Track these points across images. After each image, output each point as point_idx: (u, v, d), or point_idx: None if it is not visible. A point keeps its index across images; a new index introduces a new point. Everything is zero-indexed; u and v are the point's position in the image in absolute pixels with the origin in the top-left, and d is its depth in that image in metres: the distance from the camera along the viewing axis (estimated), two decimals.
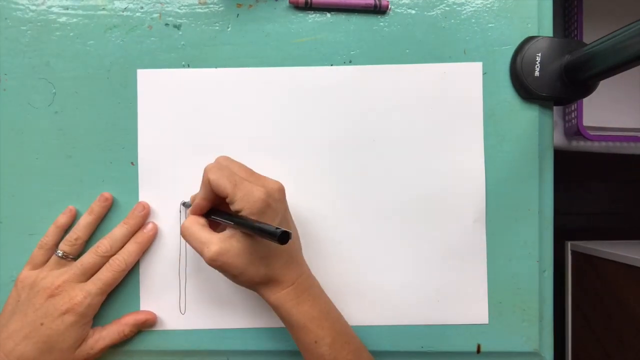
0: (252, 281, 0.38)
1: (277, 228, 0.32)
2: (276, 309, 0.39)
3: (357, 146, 0.45)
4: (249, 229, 0.35)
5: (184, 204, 0.45)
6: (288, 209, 0.40)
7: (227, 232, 0.37)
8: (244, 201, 0.35)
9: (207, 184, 0.37)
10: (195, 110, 0.45)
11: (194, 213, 0.40)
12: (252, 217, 0.35)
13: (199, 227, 0.38)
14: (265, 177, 0.39)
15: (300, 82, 0.45)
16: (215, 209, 0.40)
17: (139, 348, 0.45)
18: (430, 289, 0.45)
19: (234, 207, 0.36)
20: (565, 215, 1.33)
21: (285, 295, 0.38)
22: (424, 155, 0.45)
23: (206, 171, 0.37)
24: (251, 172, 0.39)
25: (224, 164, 0.39)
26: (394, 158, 0.45)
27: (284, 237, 0.32)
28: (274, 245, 0.35)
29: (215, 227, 0.40)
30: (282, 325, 0.45)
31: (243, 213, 0.36)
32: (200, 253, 0.37)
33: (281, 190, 0.38)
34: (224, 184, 0.36)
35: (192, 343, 0.45)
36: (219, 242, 0.37)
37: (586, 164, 1.33)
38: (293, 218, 0.42)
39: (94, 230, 0.44)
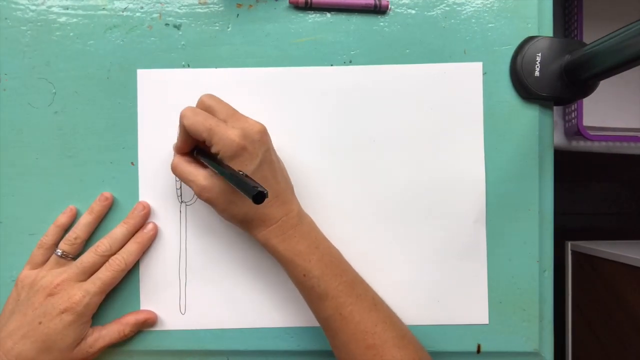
0: (235, 218, 0.39)
1: (253, 186, 0.32)
2: (263, 246, 0.40)
3: (357, 146, 0.45)
4: (226, 178, 0.36)
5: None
6: (271, 150, 0.40)
7: (211, 170, 0.38)
8: (220, 144, 0.36)
9: (183, 129, 0.38)
10: None
11: (178, 152, 0.41)
12: (228, 160, 0.36)
13: (185, 164, 0.40)
14: (247, 118, 0.39)
15: (300, 82, 0.45)
16: (199, 147, 0.41)
17: (139, 348, 0.45)
18: (430, 289, 0.45)
19: (212, 150, 0.37)
20: (565, 215, 1.33)
21: (269, 232, 0.39)
22: (424, 155, 0.45)
23: (181, 117, 0.38)
24: (233, 113, 0.39)
25: (206, 103, 0.39)
26: (394, 158, 0.45)
27: (258, 197, 0.32)
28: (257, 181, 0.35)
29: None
30: (282, 325, 0.45)
31: (220, 156, 0.37)
32: (191, 188, 0.39)
33: (261, 132, 0.38)
34: (199, 130, 0.37)
35: (192, 343, 0.45)
36: (203, 179, 0.38)
37: (586, 164, 1.33)
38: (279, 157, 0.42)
39: (93, 229, 0.44)
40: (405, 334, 0.40)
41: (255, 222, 0.39)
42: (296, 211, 0.40)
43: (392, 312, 0.42)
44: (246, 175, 0.35)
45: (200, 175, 0.38)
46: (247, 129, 0.37)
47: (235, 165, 0.36)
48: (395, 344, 0.39)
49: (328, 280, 0.39)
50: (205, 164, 0.39)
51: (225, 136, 0.36)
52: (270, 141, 0.40)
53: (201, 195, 0.38)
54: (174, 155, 0.41)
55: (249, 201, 0.33)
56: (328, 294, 0.39)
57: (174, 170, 0.40)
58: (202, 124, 0.37)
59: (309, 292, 0.40)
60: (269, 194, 0.34)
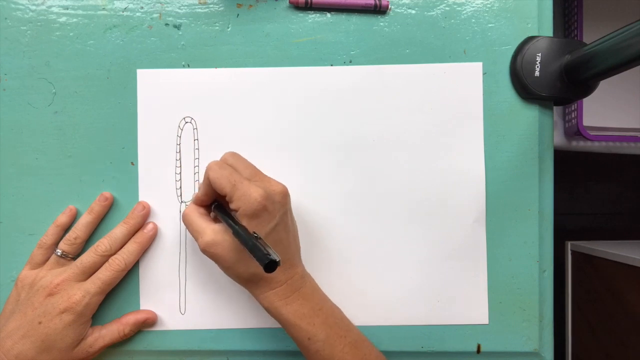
0: (240, 277, 0.39)
1: (266, 254, 0.32)
2: (266, 309, 0.39)
3: (357, 146, 0.45)
4: (240, 239, 0.35)
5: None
6: (289, 213, 0.40)
7: (223, 226, 0.38)
8: (241, 201, 0.36)
9: (207, 181, 0.38)
10: (196, 110, 0.45)
11: (195, 203, 0.41)
12: (247, 218, 0.36)
13: (197, 215, 0.40)
14: (270, 178, 0.39)
15: (300, 82, 0.45)
16: (218, 202, 0.41)
17: (139, 348, 0.45)
18: (430, 289, 0.45)
19: (231, 206, 0.37)
20: (565, 215, 1.33)
21: (274, 295, 0.39)
22: (424, 155, 0.45)
23: (207, 169, 0.38)
24: (255, 172, 0.39)
25: (230, 161, 0.39)
26: (394, 158, 0.45)
27: (271, 265, 0.32)
28: (270, 243, 0.36)
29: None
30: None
31: (239, 213, 0.36)
32: (196, 240, 0.39)
33: (283, 194, 0.38)
34: (223, 184, 0.37)
35: (192, 343, 0.45)
36: (212, 233, 0.38)
37: (586, 164, 1.33)
38: (295, 219, 0.42)
39: (93, 229, 0.44)
40: None
41: (260, 283, 0.39)
42: (300, 274, 0.40)
43: None
44: (259, 238, 0.35)
45: (209, 228, 0.38)
46: (269, 189, 0.37)
47: (253, 225, 0.36)
48: None
49: (333, 343, 0.39)
50: (220, 219, 0.39)
51: (248, 194, 0.36)
52: (289, 203, 0.40)
53: (207, 249, 0.38)
54: (190, 204, 0.41)
55: (255, 264, 0.34)
56: (334, 357, 0.38)
57: (184, 218, 0.40)
58: (227, 178, 0.37)
59: (313, 356, 0.39)
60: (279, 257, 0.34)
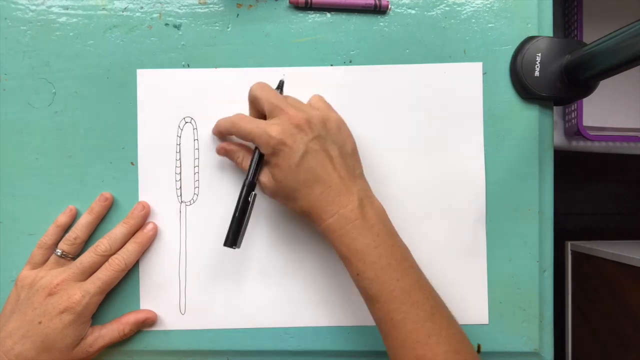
0: (295, 212, 0.40)
1: (232, 237, 0.39)
2: (325, 239, 0.39)
3: (357, 146, 0.45)
4: (235, 209, 0.40)
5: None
6: (320, 137, 0.38)
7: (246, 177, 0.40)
8: (258, 142, 0.38)
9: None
10: (196, 110, 0.45)
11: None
12: (268, 157, 0.39)
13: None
14: (292, 108, 0.39)
15: (300, 82, 0.45)
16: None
17: (139, 348, 0.45)
18: None
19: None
20: (565, 215, 1.33)
21: (327, 227, 0.38)
22: (424, 155, 0.45)
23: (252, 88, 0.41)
24: (277, 102, 0.39)
25: (253, 94, 0.41)
26: (394, 158, 0.45)
27: (226, 244, 0.39)
28: (302, 174, 0.37)
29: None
30: (282, 325, 0.45)
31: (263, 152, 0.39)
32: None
33: (304, 121, 0.38)
34: (242, 133, 0.40)
35: (192, 343, 0.45)
36: (263, 175, 0.40)
37: (586, 164, 1.33)
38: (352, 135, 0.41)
39: (93, 229, 0.44)
40: (461, 349, 0.37)
41: (312, 215, 0.38)
42: (356, 203, 0.37)
43: (451, 322, 0.38)
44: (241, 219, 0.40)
45: (263, 171, 0.40)
46: (285, 124, 0.37)
47: (274, 161, 0.38)
48: (448, 357, 0.36)
49: (382, 283, 0.36)
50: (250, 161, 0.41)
51: (264, 134, 0.37)
52: (324, 128, 0.39)
53: (265, 191, 0.41)
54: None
55: (302, 194, 0.38)
56: (380, 297, 0.36)
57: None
58: (244, 127, 0.39)
59: (362, 292, 0.38)
60: (319, 186, 0.37)
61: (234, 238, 0.39)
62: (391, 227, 0.39)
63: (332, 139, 0.39)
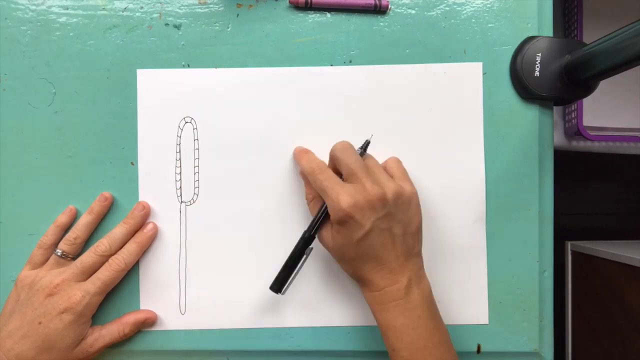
0: (347, 273, 0.41)
1: (281, 282, 0.40)
2: (369, 305, 0.40)
3: (357, 146, 0.45)
4: (289, 255, 0.41)
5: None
6: (387, 216, 0.38)
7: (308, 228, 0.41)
8: (330, 206, 0.38)
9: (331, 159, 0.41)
10: (196, 110, 0.45)
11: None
12: (335, 224, 0.38)
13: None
14: (372, 180, 0.38)
15: (300, 82, 0.45)
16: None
17: (139, 348, 0.45)
18: None
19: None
20: (565, 215, 1.33)
21: (372, 297, 0.39)
22: (424, 155, 0.45)
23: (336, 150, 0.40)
24: (354, 172, 0.39)
25: (337, 152, 0.41)
26: None
27: (272, 289, 0.40)
28: (362, 249, 0.38)
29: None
30: (282, 325, 0.45)
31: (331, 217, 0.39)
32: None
33: (376, 199, 0.37)
34: (317, 186, 0.39)
35: (192, 343, 0.45)
36: (325, 230, 0.40)
37: (586, 164, 1.33)
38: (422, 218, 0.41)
39: (93, 229, 0.44)
40: None
41: (361, 282, 0.40)
42: (404, 283, 0.38)
43: None
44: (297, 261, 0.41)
45: (325, 228, 0.41)
46: (359, 197, 0.37)
47: (341, 231, 0.38)
48: None
49: None
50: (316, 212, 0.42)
51: (337, 200, 0.37)
52: (395, 204, 0.38)
53: (324, 244, 0.41)
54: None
55: (357, 263, 0.38)
56: None
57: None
58: (320, 182, 0.39)
59: None
60: (373, 262, 0.38)
61: (281, 285, 0.41)
62: (434, 309, 0.40)
63: (400, 217, 0.39)
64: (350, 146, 0.40)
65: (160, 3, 0.46)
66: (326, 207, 0.39)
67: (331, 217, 0.38)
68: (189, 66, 0.45)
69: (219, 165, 0.45)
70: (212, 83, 0.45)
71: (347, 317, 0.45)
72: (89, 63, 0.45)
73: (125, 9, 0.45)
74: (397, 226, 0.38)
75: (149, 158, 0.45)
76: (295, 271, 0.41)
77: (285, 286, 0.41)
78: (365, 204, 0.37)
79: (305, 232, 0.41)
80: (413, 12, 0.46)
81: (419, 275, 0.40)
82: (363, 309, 0.46)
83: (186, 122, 0.45)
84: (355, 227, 0.37)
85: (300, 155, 0.43)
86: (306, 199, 0.43)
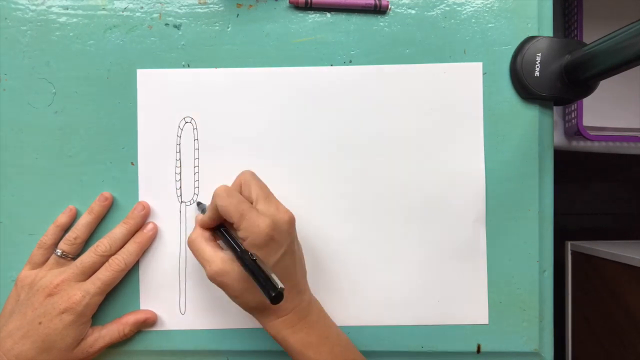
0: (248, 305, 0.38)
1: (273, 285, 0.33)
2: (273, 337, 0.39)
3: (357, 146, 0.45)
4: (247, 269, 0.35)
5: (199, 205, 0.44)
6: (296, 240, 0.40)
7: (230, 254, 0.38)
8: (248, 231, 0.36)
9: (214, 207, 0.38)
10: (195, 110, 0.45)
11: (201, 227, 0.40)
12: (255, 248, 0.36)
13: (204, 241, 0.39)
14: (279, 204, 0.39)
15: (300, 82, 0.45)
16: (224, 225, 0.40)
17: (139, 348, 0.45)
18: (430, 289, 0.45)
19: (239, 234, 0.37)
20: (565, 215, 1.33)
21: (281, 323, 0.38)
22: (424, 155, 0.45)
23: (215, 195, 0.37)
24: (265, 196, 0.38)
25: (246, 178, 0.39)
26: (394, 158, 0.45)
27: (277, 297, 0.33)
28: (277, 272, 0.36)
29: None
30: None
31: (247, 243, 0.36)
32: (203, 267, 0.38)
33: (289, 222, 0.38)
34: (231, 213, 0.36)
35: (192, 343, 0.45)
36: (220, 262, 0.37)
37: (586, 164, 1.33)
38: (300, 242, 0.42)
39: (93, 229, 0.44)
40: None
41: (267, 311, 0.39)
42: (307, 300, 0.40)
43: None
44: (264, 270, 0.35)
45: (217, 257, 0.37)
46: (277, 219, 0.37)
47: (261, 254, 0.36)
48: None
49: None
50: (225, 244, 0.39)
51: (256, 224, 0.36)
52: (295, 231, 0.39)
53: (215, 278, 0.37)
54: (195, 228, 0.40)
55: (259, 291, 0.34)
56: None
57: (191, 245, 0.39)
58: (235, 207, 0.36)
59: None
60: (287, 284, 0.36)
61: (272, 287, 0.34)
62: (330, 318, 0.42)
63: (297, 241, 0.40)
64: (229, 189, 0.38)
65: (160, 3, 0.46)
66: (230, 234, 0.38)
67: (248, 242, 0.36)
68: (189, 66, 0.45)
69: (219, 165, 0.45)
70: (212, 83, 0.45)
71: (346, 318, 0.45)
72: (89, 63, 0.45)
73: (125, 9, 0.45)
74: (297, 249, 0.40)
75: (149, 158, 0.45)
76: (265, 270, 0.35)
77: (275, 283, 0.34)
78: (283, 225, 0.37)
79: (237, 252, 0.37)
80: (413, 12, 0.46)
81: (311, 294, 0.42)
82: (362, 309, 0.46)
83: (186, 122, 0.45)
84: (275, 247, 0.36)
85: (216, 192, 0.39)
86: (200, 224, 0.40)
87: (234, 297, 0.38)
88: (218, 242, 0.40)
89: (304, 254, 0.42)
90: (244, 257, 0.36)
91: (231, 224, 0.38)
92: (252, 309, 0.39)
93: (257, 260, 0.35)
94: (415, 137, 0.45)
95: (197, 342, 0.45)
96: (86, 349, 0.41)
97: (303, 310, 0.39)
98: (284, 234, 0.37)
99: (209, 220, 0.39)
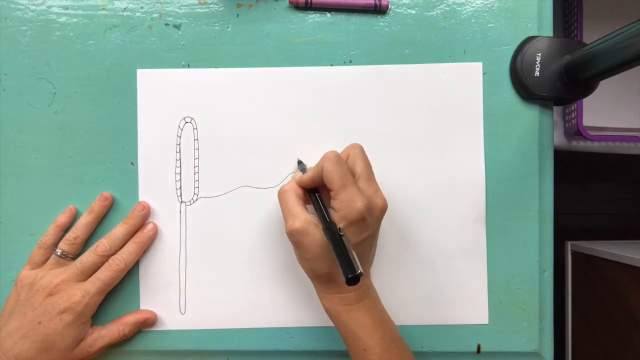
0: (314, 273, 0.39)
1: (353, 267, 0.33)
2: (326, 309, 0.40)
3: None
4: (333, 244, 0.35)
5: (299, 164, 0.44)
6: (379, 229, 0.40)
7: (316, 219, 0.38)
8: (344, 204, 0.36)
9: (320, 169, 0.38)
10: (196, 110, 0.45)
11: (298, 184, 0.40)
12: (345, 222, 0.36)
13: (294, 196, 0.39)
14: (378, 189, 0.39)
15: (300, 82, 0.45)
16: (319, 191, 0.40)
17: (139, 348, 0.45)
18: (430, 289, 0.45)
19: (333, 204, 0.37)
20: (565, 215, 1.33)
21: (339, 299, 0.39)
22: (424, 155, 0.45)
23: (325, 158, 0.37)
24: (368, 176, 0.39)
25: (355, 152, 0.39)
26: (394, 158, 0.45)
27: (354, 279, 0.33)
28: (355, 251, 0.35)
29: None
30: (282, 325, 0.45)
31: (338, 214, 0.36)
32: (285, 220, 0.38)
33: (383, 210, 0.38)
34: (334, 180, 0.37)
35: (192, 343, 0.45)
36: (304, 221, 0.37)
37: (586, 164, 1.33)
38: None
39: (93, 229, 0.44)
40: None
41: (330, 283, 0.39)
42: (368, 285, 0.40)
43: None
44: (349, 249, 0.34)
45: (303, 215, 0.37)
46: (374, 202, 0.37)
47: (348, 231, 0.36)
48: None
49: (388, 358, 0.38)
50: (315, 208, 0.39)
51: (354, 200, 0.36)
52: (382, 219, 0.39)
53: (293, 234, 0.37)
54: (290, 182, 0.40)
55: (337, 264, 0.34)
56: None
57: (281, 195, 0.39)
58: (340, 176, 0.36)
59: None
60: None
61: (352, 269, 0.33)
62: (384, 307, 0.41)
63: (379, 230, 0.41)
64: (339, 156, 0.38)
65: (160, 3, 0.46)
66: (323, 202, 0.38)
67: (340, 215, 0.36)
68: (189, 66, 0.45)
69: (219, 166, 0.45)
70: (212, 83, 0.45)
71: None
72: (89, 63, 0.45)
73: (125, 9, 0.45)
74: (377, 237, 0.41)
75: (149, 158, 0.45)
76: (349, 250, 0.35)
77: (355, 265, 0.34)
78: (376, 210, 0.38)
79: (325, 224, 0.37)
80: (413, 12, 0.46)
81: (370, 279, 0.42)
82: None
83: (186, 122, 0.45)
84: (362, 229, 0.37)
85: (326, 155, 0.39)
86: (297, 181, 0.40)
87: (305, 259, 0.38)
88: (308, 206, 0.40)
89: None
90: (332, 228, 0.36)
91: (326, 193, 0.38)
92: (317, 277, 0.39)
93: (344, 236, 0.35)
94: (415, 137, 0.45)
95: (197, 342, 0.45)
96: (86, 349, 0.41)
97: (363, 293, 0.39)
98: (374, 219, 0.38)
99: (309, 180, 0.39)
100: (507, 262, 0.46)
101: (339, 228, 0.36)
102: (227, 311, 0.45)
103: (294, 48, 0.46)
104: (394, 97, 0.45)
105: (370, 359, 0.38)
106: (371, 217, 0.37)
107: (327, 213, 0.38)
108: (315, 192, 0.40)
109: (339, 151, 0.39)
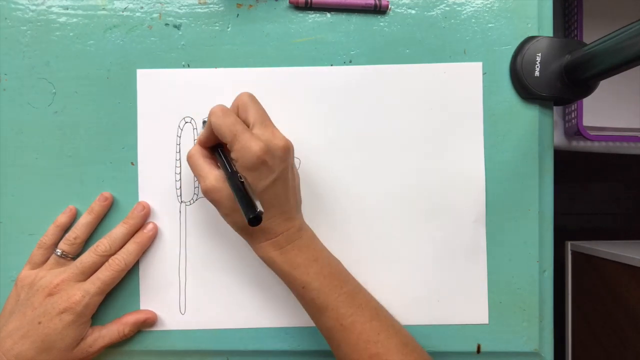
0: (236, 225, 0.39)
1: (252, 208, 0.34)
2: (261, 258, 0.40)
3: (357, 146, 0.45)
4: (232, 188, 0.36)
5: (204, 123, 0.43)
6: (289, 167, 0.39)
7: (224, 173, 0.38)
8: (240, 153, 0.36)
9: (209, 126, 0.38)
10: (196, 110, 0.45)
11: (199, 144, 0.40)
12: (245, 170, 0.36)
13: (201, 157, 0.39)
14: (275, 130, 0.38)
15: (300, 82, 0.45)
16: (221, 145, 0.40)
17: (139, 348, 0.45)
18: (430, 289, 0.45)
19: (232, 156, 0.37)
20: (565, 215, 1.33)
21: (269, 244, 0.39)
22: (424, 155, 0.45)
23: (210, 114, 0.37)
24: (262, 121, 0.38)
25: (244, 100, 0.39)
26: (394, 158, 0.45)
27: (254, 220, 0.34)
28: (266, 197, 0.37)
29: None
30: (282, 325, 0.45)
31: (238, 164, 0.37)
32: (198, 182, 0.39)
33: (284, 149, 0.37)
34: (224, 132, 0.36)
35: (192, 343, 0.45)
36: (213, 179, 0.38)
37: (586, 164, 1.33)
38: (297, 172, 0.42)
39: (93, 229, 0.44)
40: (409, 341, 0.40)
41: (256, 233, 0.39)
42: (297, 226, 0.40)
43: (394, 319, 0.43)
44: (247, 191, 0.36)
45: (212, 174, 0.38)
46: (271, 144, 0.36)
47: (251, 177, 0.36)
48: (399, 350, 0.39)
49: (328, 292, 0.39)
50: (219, 164, 0.39)
51: (248, 146, 0.35)
52: (292, 158, 0.40)
53: (207, 194, 0.38)
54: (194, 145, 0.41)
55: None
56: (328, 305, 0.39)
57: (189, 159, 0.40)
58: (228, 127, 0.36)
59: (309, 304, 0.40)
60: (276, 210, 0.37)
61: (252, 209, 0.35)
62: (322, 245, 0.42)
63: (293, 170, 0.41)
64: (225, 108, 0.38)
65: (160, 3, 0.46)
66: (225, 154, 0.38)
67: (240, 164, 0.36)
68: (189, 66, 0.45)
69: None
70: (212, 83, 0.45)
71: None
72: (89, 63, 0.45)
73: (125, 9, 0.45)
74: (292, 177, 0.40)
75: (149, 158, 0.45)
76: (248, 192, 0.36)
77: (255, 206, 0.35)
78: (277, 151, 0.37)
79: (227, 174, 0.38)
80: (413, 12, 0.46)
81: (304, 221, 0.42)
82: None
83: (186, 122, 0.45)
84: (265, 173, 0.36)
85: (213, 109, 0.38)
86: (198, 142, 0.40)
87: (225, 215, 0.39)
88: (217, 162, 0.40)
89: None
90: (232, 178, 0.37)
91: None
92: (241, 230, 0.40)
93: (245, 183, 0.36)
94: (415, 137, 0.45)
95: (197, 342, 0.45)
96: (86, 349, 0.41)
97: (292, 235, 0.39)
98: (277, 160, 0.37)
99: (204, 138, 0.39)
100: (507, 262, 0.46)
101: (239, 175, 0.37)
102: (227, 311, 0.45)
103: (294, 48, 0.46)
104: (393, 97, 0.45)
105: (311, 295, 0.39)
106: (273, 159, 0.36)
107: (229, 165, 0.38)
108: (218, 148, 0.40)
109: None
